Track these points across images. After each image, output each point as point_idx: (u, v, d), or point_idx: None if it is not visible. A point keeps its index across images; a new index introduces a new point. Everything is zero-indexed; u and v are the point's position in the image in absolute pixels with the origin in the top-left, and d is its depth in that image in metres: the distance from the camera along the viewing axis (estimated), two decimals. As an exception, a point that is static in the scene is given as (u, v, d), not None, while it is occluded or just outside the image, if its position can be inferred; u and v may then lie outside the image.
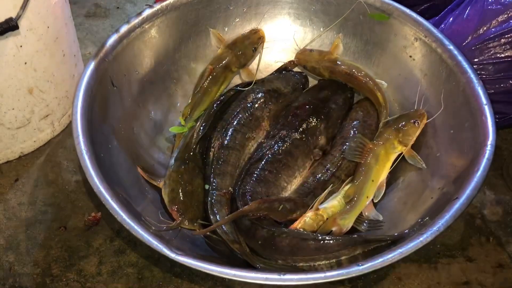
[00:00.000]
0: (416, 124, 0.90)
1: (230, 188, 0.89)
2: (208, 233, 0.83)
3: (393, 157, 0.89)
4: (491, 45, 0.98)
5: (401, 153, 0.89)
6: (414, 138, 0.90)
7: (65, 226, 0.94)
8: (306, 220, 0.83)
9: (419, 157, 0.89)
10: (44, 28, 0.93)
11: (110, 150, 0.87)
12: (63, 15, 0.99)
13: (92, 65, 0.89)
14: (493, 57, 0.97)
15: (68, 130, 1.10)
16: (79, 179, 1.01)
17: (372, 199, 0.87)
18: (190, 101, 1.01)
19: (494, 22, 0.98)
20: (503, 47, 0.97)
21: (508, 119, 1.03)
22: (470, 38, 1.00)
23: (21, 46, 0.90)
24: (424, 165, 0.88)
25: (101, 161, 0.81)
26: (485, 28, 0.99)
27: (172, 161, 0.93)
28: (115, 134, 0.90)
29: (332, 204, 0.85)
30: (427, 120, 0.91)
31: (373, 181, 0.86)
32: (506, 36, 0.96)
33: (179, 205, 0.86)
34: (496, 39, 0.97)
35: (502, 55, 0.97)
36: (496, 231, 0.94)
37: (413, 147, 0.90)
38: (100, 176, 0.77)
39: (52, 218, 0.95)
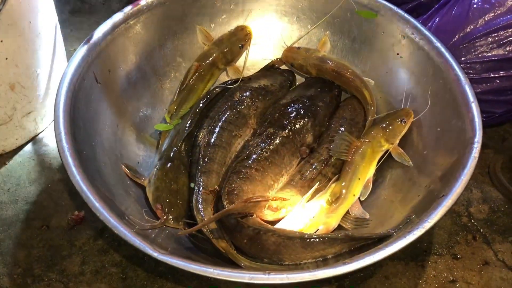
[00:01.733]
0: (403, 123, 0.90)
1: (216, 187, 0.88)
2: (193, 232, 0.81)
3: (379, 155, 0.89)
4: (478, 44, 0.98)
5: (388, 150, 0.89)
6: (401, 136, 0.90)
7: (48, 225, 0.92)
8: (292, 218, 0.83)
9: (405, 155, 0.89)
10: (26, 23, 0.91)
11: (93, 148, 0.85)
12: (46, 10, 0.97)
13: (75, 61, 0.88)
14: (480, 56, 0.97)
15: (51, 127, 1.08)
16: (62, 177, 0.99)
17: (359, 197, 0.87)
18: (175, 98, 1.00)
19: (481, 21, 0.98)
20: (490, 46, 0.97)
21: (495, 118, 1.03)
22: (457, 37, 0.99)
23: (1, 41, 0.88)
24: (410, 163, 0.88)
25: (84, 159, 0.79)
26: (472, 27, 0.99)
27: (157, 159, 0.92)
28: (99, 132, 0.89)
29: (319, 202, 0.85)
30: (413, 118, 0.91)
31: (359, 179, 0.85)
32: (493, 35, 0.96)
33: (164, 203, 0.85)
34: (483, 38, 0.97)
35: (489, 54, 0.97)
36: (482, 229, 0.94)
37: (400, 144, 0.90)
38: (83, 174, 0.75)
39: (34, 217, 0.93)
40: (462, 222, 0.95)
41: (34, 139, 1.06)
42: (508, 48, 0.96)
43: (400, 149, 0.89)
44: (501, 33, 0.96)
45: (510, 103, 1.01)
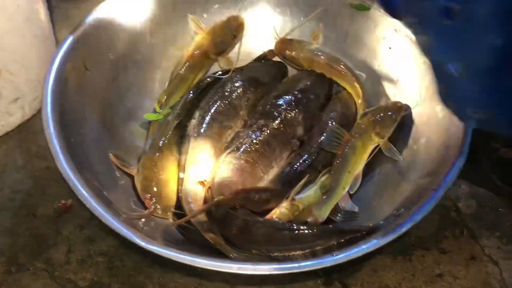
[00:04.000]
0: (394, 116, 0.89)
1: (205, 178, 0.87)
2: (182, 223, 0.81)
3: (370, 148, 0.88)
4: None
5: (377, 149, 0.89)
6: (392, 130, 0.90)
7: (34, 214, 0.91)
8: (281, 211, 0.82)
9: (395, 150, 0.89)
10: (14, 7, 0.90)
11: (81, 136, 0.84)
12: (35, -5, 0.96)
13: (64, 47, 0.87)
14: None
15: (39, 114, 1.05)
16: (49, 165, 0.97)
17: (348, 191, 0.87)
18: (166, 87, 0.99)
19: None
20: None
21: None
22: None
23: (-12, 25, 0.87)
24: (400, 157, 0.88)
25: (72, 147, 0.78)
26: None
27: (147, 148, 0.91)
28: (88, 119, 0.88)
29: (308, 194, 0.84)
30: (405, 112, 0.91)
31: (349, 172, 0.85)
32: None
33: (152, 193, 0.84)
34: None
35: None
36: (470, 224, 0.94)
37: (390, 138, 0.90)
38: (70, 161, 0.75)
39: (20, 205, 0.92)
40: (450, 217, 0.95)
41: (21, 126, 1.04)
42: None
43: (390, 144, 0.89)
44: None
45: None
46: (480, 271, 0.88)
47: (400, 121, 0.90)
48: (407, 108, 0.91)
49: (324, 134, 0.90)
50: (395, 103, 0.92)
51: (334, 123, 0.93)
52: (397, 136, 0.91)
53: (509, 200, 0.97)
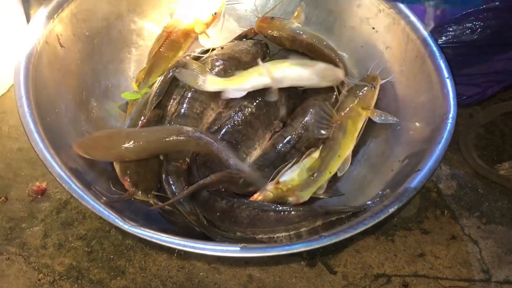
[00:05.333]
0: (372, 88, 0.89)
1: (187, 159, 0.85)
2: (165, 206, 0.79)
3: (360, 124, 0.87)
4: (451, 28, 0.97)
5: (366, 122, 0.88)
6: (375, 100, 0.89)
7: (6, 197, 0.87)
8: (266, 193, 0.81)
9: (387, 113, 0.88)
10: (-18, -20, 0.84)
11: (57, 115, 0.81)
12: (4, -33, 0.91)
13: (37, 23, 0.82)
14: (452, 40, 0.97)
15: (9, 93, 1.01)
16: (22, 146, 0.93)
17: (336, 173, 0.86)
18: (145, 66, 0.95)
19: (455, 6, 0.98)
20: (463, 31, 0.96)
21: (465, 100, 1.04)
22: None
23: (-46, -2, 0.81)
24: (395, 118, 0.87)
25: (47, 126, 0.75)
26: (446, 11, 0.98)
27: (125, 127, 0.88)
28: (63, 98, 0.84)
29: (292, 177, 0.83)
30: (381, 80, 0.90)
31: (339, 156, 0.84)
32: (466, 20, 0.96)
33: (132, 175, 0.81)
34: (457, 22, 0.97)
35: (461, 39, 0.97)
36: (450, 204, 0.95)
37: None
38: (46, 141, 0.71)
39: (-9, 188, 0.88)
40: (431, 198, 0.96)
41: (-10, 106, 1.00)
42: (478, 34, 0.96)
43: (379, 110, 0.88)
44: (473, 19, 0.96)
45: (478, 86, 1.03)
46: (460, 250, 0.89)
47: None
48: (391, 86, 0.91)
49: (311, 119, 0.88)
50: (369, 76, 0.92)
51: (315, 106, 0.91)
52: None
53: (488, 181, 0.99)
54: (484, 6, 0.94)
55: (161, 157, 0.85)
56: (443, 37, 0.98)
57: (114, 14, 0.96)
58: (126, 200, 0.78)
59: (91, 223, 0.84)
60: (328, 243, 0.66)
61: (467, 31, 0.96)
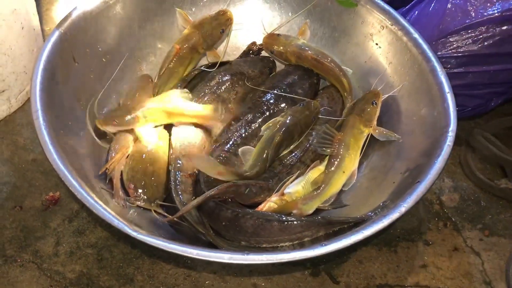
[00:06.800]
0: (374, 104, 0.91)
1: (195, 170, 0.88)
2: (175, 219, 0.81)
3: (362, 141, 0.90)
4: (453, 39, 1.00)
5: (368, 138, 0.90)
6: (376, 116, 0.91)
7: (21, 206, 0.90)
8: (270, 205, 0.83)
9: (389, 131, 0.90)
10: (1, -2, 0.89)
11: (70, 127, 0.84)
12: (22, -14, 0.95)
13: (53, 39, 0.86)
14: (454, 51, 0.99)
15: (25, 107, 1.05)
16: (36, 157, 0.97)
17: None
18: (155, 81, 0.99)
19: (457, 17, 1.00)
20: (465, 41, 0.99)
21: (467, 111, 1.06)
22: (434, 31, 1.01)
23: (-25, 16, 0.86)
24: (397, 136, 0.90)
25: (61, 138, 0.78)
26: (448, 22, 1.00)
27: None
28: (76, 111, 0.87)
29: (297, 189, 0.85)
30: (382, 96, 0.93)
31: (344, 172, 0.86)
32: (469, 31, 0.98)
33: (137, 183, 0.84)
34: (458, 33, 0.99)
35: (463, 50, 0.99)
36: (453, 216, 0.97)
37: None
38: (60, 152, 0.74)
39: (6, 197, 0.91)
40: (434, 210, 0.97)
41: (7, 118, 1.03)
42: (481, 45, 0.98)
43: (381, 128, 0.91)
44: (475, 30, 0.98)
45: (481, 97, 1.04)
46: (462, 262, 0.91)
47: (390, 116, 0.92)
48: (393, 101, 0.93)
49: (313, 132, 0.91)
50: (371, 91, 0.94)
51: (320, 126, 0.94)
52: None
53: (490, 193, 1.00)
54: (486, 17, 0.97)
55: (170, 168, 0.88)
56: (446, 48, 1.00)
57: (126, 31, 1.00)
58: (130, 204, 0.81)
59: (102, 232, 0.87)
60: (329, 251, 0.68)
61: (470, 42, 0.98)
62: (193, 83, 1.01)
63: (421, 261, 0.90)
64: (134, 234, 0.67)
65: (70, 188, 0.71)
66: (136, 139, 0.90)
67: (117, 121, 0.87)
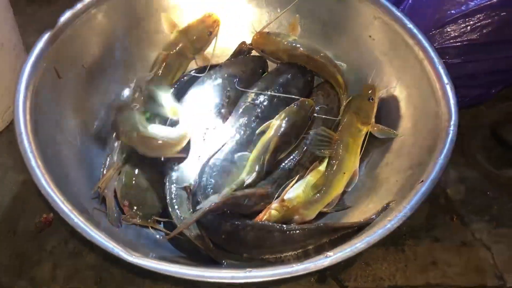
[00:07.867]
0: (371, 100, 0.88)
1: (190, 181, 0.85)
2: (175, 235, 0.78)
3: (361, 140, 0.87)
4: (450, 28, 0.96)
5: (367, 135, 0.87)
6: (374, 113, 0.88)
7: (14, 230, 0.88)
8: (271, 212, 0.80)
9: (388, 128, 0.87)
10: (-23, 17, 0.85)
11: (57, 146, 0.81)
12: (-2, 0, 0.92)
13: (34, 56, 0.83)
14: (452, 40, 0.96)
15: (12, 126, 1.02)
16: (27, 178, 0.94)
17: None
18: (143, 90, 0.95)
19: (453, 5, 0.96)
20: (463, 30, 0.95)
21: (467, 101, 1.03)
22: (430, 21, 0.98)
23: (-49, 35, 0.82)
24: (396, 133, 0.87)
25: (48, 159, 0.75)
26: (444, 11, 0.97)
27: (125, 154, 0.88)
28: (63, 129, 0.84)
29: (297, 194, 0.82)
30: (379, 91, 0.90)
31: (345, 173, 0.83)
32: (465, 19, 0.95)
33: (132, 200, 0.82)
34: (455, 22, 0.96)
35: (461, 39, 0.96)
36: (459, 209, 0.94)
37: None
38: (48, 175, 0.71)
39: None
40: (440, 204, 0.95)
41: (-6, 139, 1.01)
42: (479, 33, 0.94)
43: (379, 125, 0.88)
44: (473, 17, 0.94)
45: (481, 87, 1.01)
46: (472, 256, 0.88)
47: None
48: (390, 95, 0.90)
49: (311, 140, 0.87)
50: (367, 88, 0.91)
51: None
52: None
53: (497, 183, 0.97)
54: (484, 3, 0.93)
55: (165, 181, 0.86)
56: (444, 38, 0.97)
57: (111, 40, 0.96)
58: (126, 222, 0.79)
59: (100, 251, 0.84)
60: (334, 262, 0.66)
61: (468, 30, 0.95)
62: (184, 89, 0.98)
63: (430, 259, 0.87)
64: (130, 259, 0.65)
65: (61, 214, 0.68)
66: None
67: None
